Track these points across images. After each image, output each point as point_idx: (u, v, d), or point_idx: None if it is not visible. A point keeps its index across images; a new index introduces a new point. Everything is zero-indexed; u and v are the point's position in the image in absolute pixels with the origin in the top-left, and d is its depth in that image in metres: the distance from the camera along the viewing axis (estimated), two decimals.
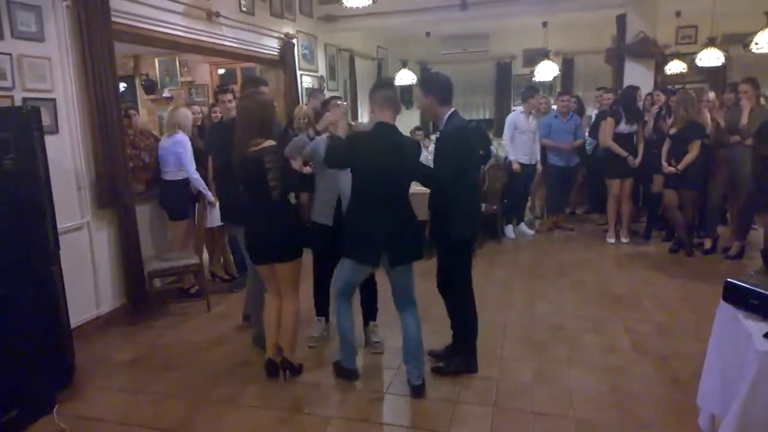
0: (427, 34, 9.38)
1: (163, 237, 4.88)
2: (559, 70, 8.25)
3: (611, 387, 3.07)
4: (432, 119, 3.22)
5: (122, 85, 7.75)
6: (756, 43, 5.48)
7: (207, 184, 4.69)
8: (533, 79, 8.15)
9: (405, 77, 8.41)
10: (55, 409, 2.96)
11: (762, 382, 1.85)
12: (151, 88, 8.37)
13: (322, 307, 3.84)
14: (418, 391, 3.01)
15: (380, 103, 2.91)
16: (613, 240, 6.16)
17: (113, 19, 4.07)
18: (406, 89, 10.11)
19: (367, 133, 3.01)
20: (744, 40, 6.07)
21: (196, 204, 4.94)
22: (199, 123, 5.14)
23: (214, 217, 4.73)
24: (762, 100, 5.46)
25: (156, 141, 4.78)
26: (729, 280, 2.28)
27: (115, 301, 4.31)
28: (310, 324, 3.87)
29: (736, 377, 2.03)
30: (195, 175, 4.56)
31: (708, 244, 5.58)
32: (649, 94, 6.46)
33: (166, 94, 8.37)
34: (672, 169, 5.39)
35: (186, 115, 4.75)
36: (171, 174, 4.60)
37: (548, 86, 9.55)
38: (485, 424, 2.74)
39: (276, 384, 3.22)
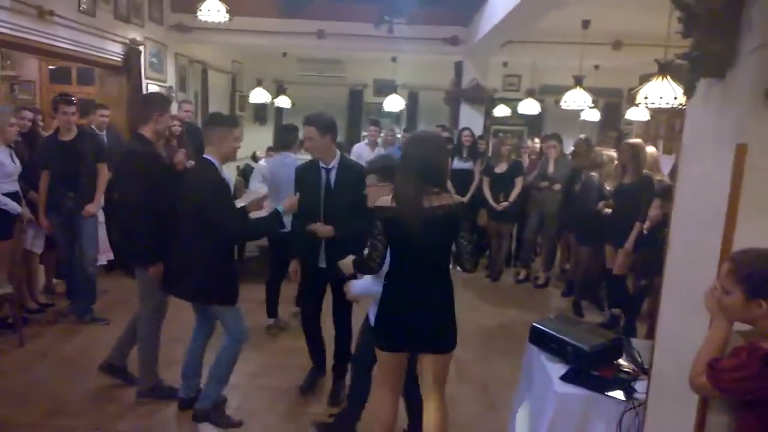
0: (284, 54, 9.42)
1: None
2: (406, 104, 8.80)
3: None
4: (321, 156, 3.21)
5: None
6: (565, 101, 6.42)
7: (28, 199, 4.31)
8: (382, 109, 8.62)
9: (259, 96, 8.34)
10: None
11: (560, 418, 2.22)
12: None
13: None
14: None
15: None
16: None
17: None
18: (260, 107, 10.05)
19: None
20: (558, 92, 7.06)
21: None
22: (25, 130, 4.50)
23: (37, 241, 4.40)
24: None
25: None
26: (534, 324, 2.68)
27: None
28: None
29: (539, 411, 2.39)
30: None
31: (523, 274, 6.38)
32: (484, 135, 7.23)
33: None
34: (505, 203, 6.09)
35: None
36: None
37: (395, 117, 10.14)
38: None
39: None
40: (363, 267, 2.48)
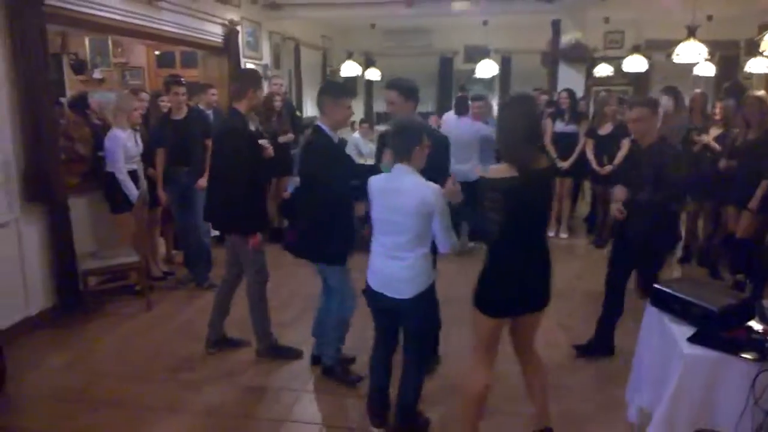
0: (372, 25, 9.39)
1: (103, 232, 4.66)
2: (499, 69, 8.50)
3: (551, 382, 3.26)
4: None
5: None
6: (677, 54, 5.87)
7: (147, 176, 4.64)
8: (473, 76, 8.37)
9: (350, 69, 8.40)
10: None
11: (687, 381, 2.07)
12: (80, 68, 7.88)
13: None
14: None
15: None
16: (552, 234, 6.45)
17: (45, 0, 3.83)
18: (351, 80, 10.10)
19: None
20: (666, 47, 6.48)
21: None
22: (144, 112, 4.79)
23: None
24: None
25: (93, 131, 4.54)
26: (656, 286, 2.51)
27: (46, 302, 4.08)
28: None
29: (662, 376, 2.24)
30: (121, 176, 4.31)
31: None
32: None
33: (96, 75, 7.92)
34: (610, 167, 5.76)
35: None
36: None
37: (487, 83, 9.83)
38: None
39: (219, 390, 3.20)
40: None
